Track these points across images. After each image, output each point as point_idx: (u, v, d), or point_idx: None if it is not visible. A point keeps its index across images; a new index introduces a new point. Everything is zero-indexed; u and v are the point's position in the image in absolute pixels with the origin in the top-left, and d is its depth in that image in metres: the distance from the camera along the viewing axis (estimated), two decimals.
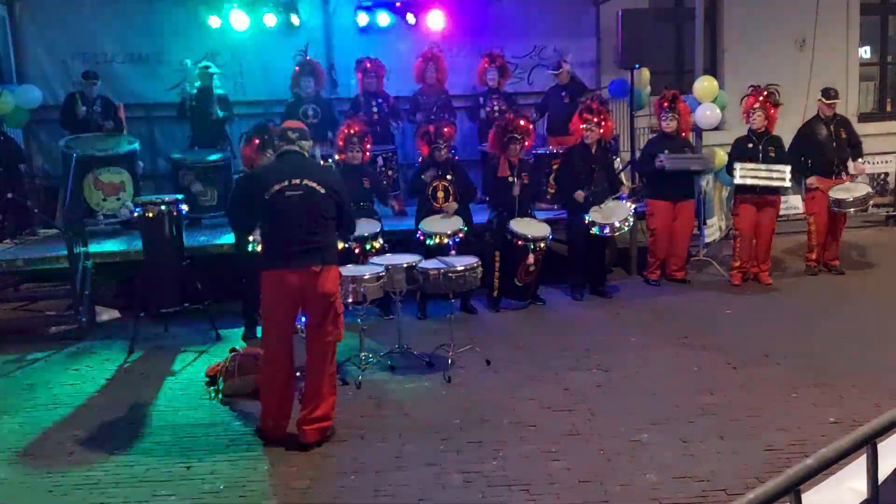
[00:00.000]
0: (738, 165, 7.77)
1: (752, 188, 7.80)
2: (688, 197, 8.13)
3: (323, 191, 4.58)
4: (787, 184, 7.85)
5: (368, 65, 8.88)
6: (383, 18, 9.61)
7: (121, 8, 9.46)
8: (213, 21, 9.34)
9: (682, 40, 11.20)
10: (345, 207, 4.76)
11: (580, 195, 7.45)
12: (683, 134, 8.27)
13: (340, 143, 7.23)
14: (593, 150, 7.61)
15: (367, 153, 7.42)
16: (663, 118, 8.02)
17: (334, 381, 4.78)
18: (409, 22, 9.70)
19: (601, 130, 7.58)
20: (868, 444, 1.46)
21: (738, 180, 7.79)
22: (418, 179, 7.33)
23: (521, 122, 7.29)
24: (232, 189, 7.05)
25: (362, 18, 9.58)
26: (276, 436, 4.67)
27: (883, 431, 1.44)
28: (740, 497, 1.24)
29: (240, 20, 9.28)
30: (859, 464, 1.57)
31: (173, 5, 9.51)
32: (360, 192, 6.95)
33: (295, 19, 9.48)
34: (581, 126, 7.60)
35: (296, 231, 4.51)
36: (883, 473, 1.61)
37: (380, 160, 8.66)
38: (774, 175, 7.75)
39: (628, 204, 7.60)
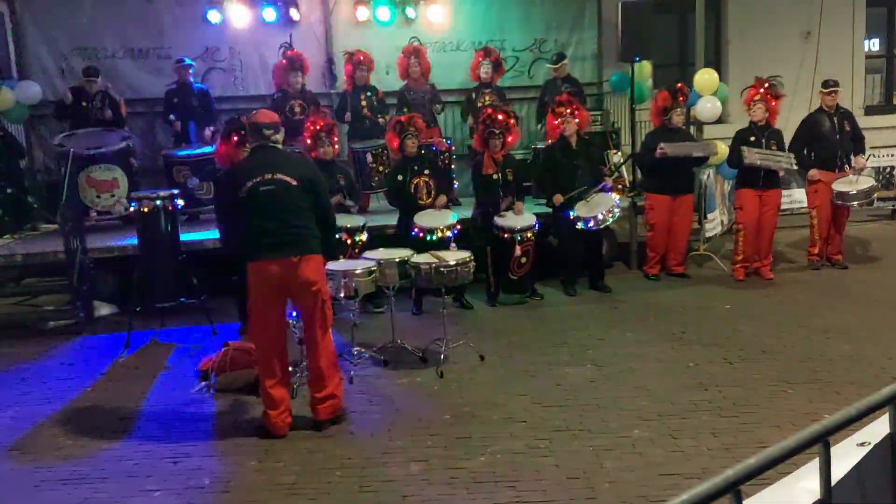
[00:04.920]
0: (744, 148, 7.66)
1: (755, 182, 7.71)
2: (687, 191, 8.04)
3: (295, 183, 4.61)
4: (795, 167, 7.78)
5: (362, 57, 8.81)
6: (383, 13, 9.56)
7: (121, 3, 9.46)
8: (213, 16, 9.35)
9: (686, 33, 11.10)
10: (321, 198, 4.78)
11: (558, 199, 7.40)
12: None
13: (309, 140, 7.07)
14: (574, 144, 7.53)
15: (336, 146, 7.27)
16: (675, 111, 7.91)
17: (334, 360, 4.81)
18: (409, 16, 9.66)
19: (577, 121, 7.49)
20: (820, 443, 1.41)
21: (746, 161, 7.61)
22: (395, 180, 7.21)
23: (501, 117, 7.20)
24: (215, 188, 6.99)
25: (362, 13, 9.54)
26: (278, 428, 4.66)
27: (835, 430, 1.39)
28: (675, 497, 1.20)
29: (239, 15, 9.28)
30: (816, 462, 1.52)
31: (173, 0, 9.51)
32: (336, 188, 6.85)
33: (294, 14, 9.46)
34: (556, 122, 7.51)
35: (272, 224, 4.56)
36: (841, 473, 1.57)
37: (368, 156, 8.56)
38: (782, 158, 7.69)
39: (614, 195, 7.52)
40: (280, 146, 4.80)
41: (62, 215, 7.05)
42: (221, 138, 6.37)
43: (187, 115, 8.80)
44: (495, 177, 7.17)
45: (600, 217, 7.24)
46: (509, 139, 7.24)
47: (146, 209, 6.70)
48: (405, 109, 8.82)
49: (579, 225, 7.29)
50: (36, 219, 8.79)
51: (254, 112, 4.99)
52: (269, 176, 4.57)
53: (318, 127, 7.06)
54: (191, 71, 8.83)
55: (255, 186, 4.55)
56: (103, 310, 7.63)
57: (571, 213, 7.31)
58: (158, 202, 6.70)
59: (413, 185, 7.12)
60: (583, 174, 7.44)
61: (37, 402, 5.41)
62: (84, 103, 8.66)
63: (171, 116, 8.86)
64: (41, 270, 7.94)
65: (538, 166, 8.11)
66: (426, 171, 7.17)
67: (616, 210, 7.35)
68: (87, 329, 7.08)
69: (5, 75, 8.81)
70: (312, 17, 9.73)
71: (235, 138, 6.14)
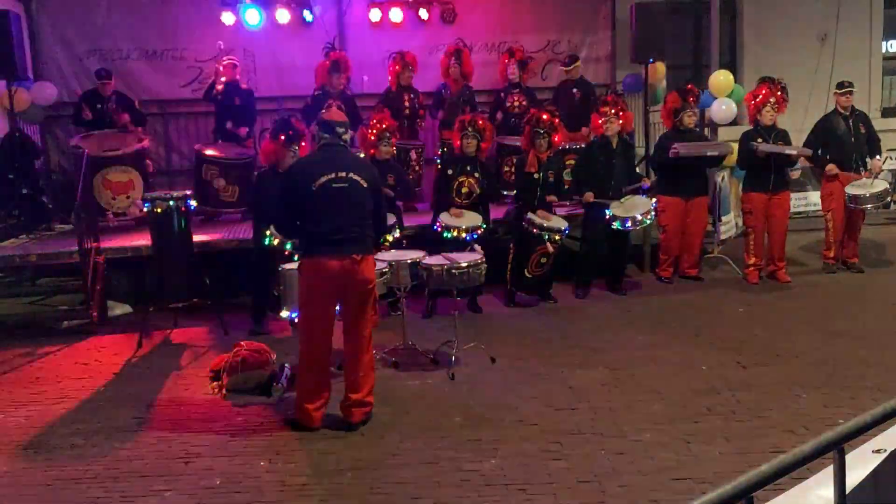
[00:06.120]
0: (753, 143, 7.61)
1: (765, 185, 7.68)
2: (701, 193, 7.99)
3: (365, 185, 4.70)
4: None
5: (409, 58, 8.86)
6: (396, 14, 9.57)
7: (135, 4, 9.52)
8: (227, 17, 9.38)
9: (701, 34, 11.03)
10: (381, 202, 4.90)
11: (589, 197, 7.37)
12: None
13: (373, 137, 7.12)
14: (614, 144, 7.53)
15: (394, 149, 7.40)
16: (686, 112, 7.87)
17: (373, 363, 4.92)
18: (422, 17, 9.66)
19: (620, 122, 7.50)
20: (835, 450, 1.39)
21: (761, 152, 7.56)
22: (445, 172, 7.25)
23: (545, 117, 7.21)
24: (256, 184, 7.02)
25: (375, 14, 9.56)
26: (310, 423, 4.71)
27: (849, 437, 1.37)
28: (688, 502, 1.18)
29: (253, 16, 9.31)
30: (831, 469, 1.49)
31: (188, 2, 9.56)
32: (385, 186, 6.91)
33: (308, 15, 9.48)
34: (599, 120, 7.52)
35: (340, 221, 4.61)
36: (856, 480, 1.54)
37: (413, 154, 8.77)
38: (795, 147, 7.73)
39: (650, 198, 7.51)
40: (348, 146, 4.87)
41: (77, 216, 7.10)
42: (270, 137, 6.47)
43: (228, 113, 8.83)
44: (536, 176, 7.16)
45: (639, 218, 7.25)
46: (555, 139, 7.26)
47: (159, 210, 6.73)
48: (438, 110, 8.94)
49: (615, 224, 7.27)
50: (51, 219, 8.84)
51: (325, 110, 5.10)
52: (342, 174, 4.62)
53: (384, 126, 7.09)
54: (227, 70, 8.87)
55: (328, 183, 4.59)
56: (117, 310, 7.66)
57: (608, 212, 7.29)
58: (171, 203, 6.73)
59: (457, 182, 7.11)
60: (619, 174, 7.44)
61: (50, 402, 5.43)
62: (98, 105, 8.71)
63: (228, 124, 8.89)
64: (56, 270, 7.98)
65: (577, 162, 8.11)
66: (476, 175, 7.17)
67: (653, 213, 7.36)
68: (100, 329, 7.10)
69: (21, 76, 8.86)
70: (325, 18, 9.74)
71: (283, 137, 6.23)
